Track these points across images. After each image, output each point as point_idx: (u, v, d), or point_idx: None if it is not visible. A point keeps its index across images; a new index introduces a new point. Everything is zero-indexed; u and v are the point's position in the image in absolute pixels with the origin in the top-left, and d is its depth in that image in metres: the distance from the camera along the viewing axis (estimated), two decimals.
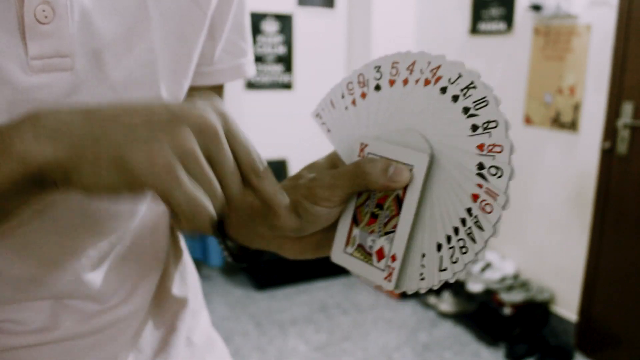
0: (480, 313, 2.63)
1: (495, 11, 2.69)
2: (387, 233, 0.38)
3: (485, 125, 0.34)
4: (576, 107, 2.35)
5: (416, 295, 2.90)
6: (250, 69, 0.58)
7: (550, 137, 2.48)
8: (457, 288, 2.71)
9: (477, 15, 2.79)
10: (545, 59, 2.46)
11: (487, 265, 2.65)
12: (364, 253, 0.40)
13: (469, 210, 0.34)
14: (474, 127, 0.34)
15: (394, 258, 0.38)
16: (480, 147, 0.34)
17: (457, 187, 0.35)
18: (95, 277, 0.48)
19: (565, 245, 2.47)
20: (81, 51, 0.39)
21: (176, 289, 0.60)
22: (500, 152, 0.33)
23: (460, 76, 0.35)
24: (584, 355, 2.39)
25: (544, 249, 2.58)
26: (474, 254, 0.34)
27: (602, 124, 2.24)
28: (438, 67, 0.36)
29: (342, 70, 3.49)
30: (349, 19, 3.44)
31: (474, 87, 0.35)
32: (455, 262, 0.35)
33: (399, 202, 0.37)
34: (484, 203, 0.34)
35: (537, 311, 2.51)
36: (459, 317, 2.71)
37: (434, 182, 0.36)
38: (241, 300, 2.92)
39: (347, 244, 0.41)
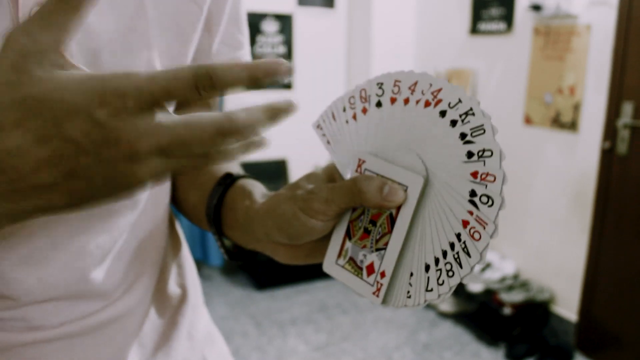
0: (480, 313, 2.64)
1: (495, 11, 2.69)
2: (378, 249, 0.39)
3: (480, 153, 0.34)
4: (576, 107, 2.35)
5: None
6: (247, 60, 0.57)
7: (550, 137, 2.48)
8: (457, 288, 2.71)
9: (477, 15, 2.79)
10: (545, 59, 2.46)
11: (487, 265, 2.65)
12: (355, 267, 0.41)
13: (458, 236, 0.35)
14: (470, 154, 0.35)
15: (383, 274, 0.38)
16: (474, 174, 0.34)
17: (448, 211, 0.36)
18: (99, 274, 0.49)
19: (565, 245, 2.47)
20: (78, 50, 0.39)
21: (176, 283, 0.61)
22: (493, 181, 0.33)
23: (460, 101, 0.36)
24: (584, 355, 2.39)
25: (544, 249, 2.58)
26: (460, 277, 0.35)
27: (602, 124, 2.24)
28: (439, 90, 0.37)
29: (342, 70, 3.49)
30: (349, 19, 3.44)
31: (472, 114, 0.35)
32: (441, 284, 0.36)
33: (392, 220, 0.38)
34: (472, 230, 0.34)
35: (537, 311, 2.51)
36: (459, 317, 2.71)
37: (427, 203, 0.37)
38: (241, 300, 2.92)
39: (339, 255, 0.42)
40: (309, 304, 2.89)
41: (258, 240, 0.46)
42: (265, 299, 2.94)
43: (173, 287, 0.60)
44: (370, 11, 3.19)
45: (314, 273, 3.11)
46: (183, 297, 0.61)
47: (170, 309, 0.59)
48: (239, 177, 0.52)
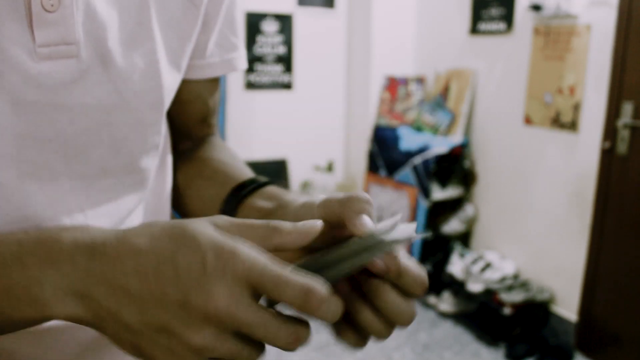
0: (480, 313, 2.63)
1: (495, 11, 2.69)
2: None
3: None
4: (576, 107, 2.35)
5: None
6: (241, 63, 0.60)
7: (550, 137, 2.48)
8: (457, 288, 2.71)
9: (477, 15, 2.79)
10: (545, 59, 2.46)
11: (487, 265, 2.65)
12: None
13: None
14: None
15: None
16: None
17: None
18: None
19: (565, 245, 2.47)
20: (86, 39, 0.40)
21: None
22: None
23: None
24: (584, 355, 2.38)
25: (544, 249, 2.58)
26: None
27: (602, 124, 2.24)
28: None
29: (342, 70, 3.49)
30: (349, 19, 3.44)
31: None
32: None
33: None
34: None
35: (537, 311, 2.51)
36: (459, 317, 2.71)
37: None
38: None
39: None
40: None
41: None
42: (265, 298, 2.94)
43: None
44: (370, 11, 3.19)
45: None
46: None
47: None
48: (246, 193, 0.52)
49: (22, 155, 0.40)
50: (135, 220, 0.52)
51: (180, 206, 0.61)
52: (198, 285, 0.31)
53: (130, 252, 0.32)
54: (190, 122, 0.63)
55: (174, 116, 0.60)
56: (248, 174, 0.56)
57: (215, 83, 0.62)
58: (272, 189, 0.52)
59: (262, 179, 0.54)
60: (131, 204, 0.50)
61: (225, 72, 0.59)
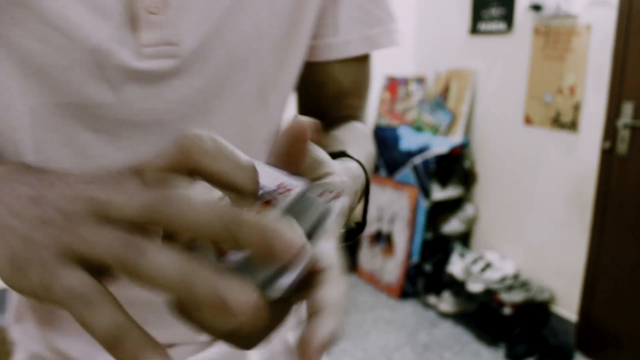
0: (480, 313, 2.64)
1: (495, 11, 2.69)
2: None
3: None
4: (576, 107, 2.35)
5: (416, 295, 2.91)
6: (388, 40, 0.54)
7: (550, 137, 2.48)
8: (457, 288, 2.71)
9: (477, 15, 2.79)
10: (545, 59, 2.46)
11: (487, 265, 2.65)
12: None
13: None
14: None
15: None
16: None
17: None
18: None
19: (565, 245, 2.47)
20: (189, 38, 0.42)
21: None
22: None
23: None
24: (584, 355, 2.39)
25: (544, 249, 2.58)
26: None
27: (602, 124, 2.24)
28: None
29: None
30: None
31: None
32: None
33: None
34: None
35: (537, 311, 2.51)
36: (459, 317, 2.71)
37: None
38: None
39: None
40: None
41: None
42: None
43: None
44: None
45: None
46: None
47: None
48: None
49: (121, 135, 0.44)
50: None
51: None
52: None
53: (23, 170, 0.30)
54: (323, 103, 0.56)
55: (307, 98, 0.56)
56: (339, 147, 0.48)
57: (358, 63, 0.55)
58: None
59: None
60: None
61: (365, 51, 0.52)
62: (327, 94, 0.55)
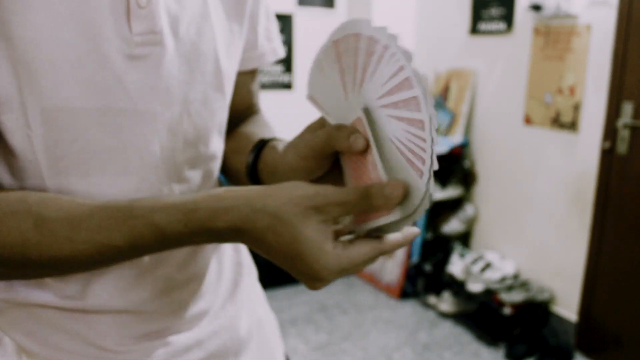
0: (480, 313, 2.64)
1: (495, 11, 2.69)
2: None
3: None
4: (576, 107, 2.35)
5: (416, 295, 2.90)
6: (281, 50, 0.68)
7: (550, 137, 2.48)
8: (457, 288, 2.71)
9: (477, 15, 2.79)
10: (545, 59, 2.46)
11: (487, 265, 2.65)
12: None
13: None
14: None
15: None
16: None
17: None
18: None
19: (565, 245, 2.47)
20: (167, 29, 0.50)
21: (233, 249, 0.72)
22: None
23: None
24: (584, 355, 2.39)
25: (544, 249, 2.58)
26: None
27: (602, 124, 2.24)
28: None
29: None
30: (349, 18, 3.44)
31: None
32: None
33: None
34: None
35: (537, 311, 2.51)
36: (459, 317, 2.71)
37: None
38: None
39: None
40: (309, 304, 2.89)
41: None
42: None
43: (230, 253, 0.72)
44: (370, 11, 3.19)
45: None
46: (239, 260, 0.75)
47: (232, 274, 0.72)
48: (270, 139, 0.61)
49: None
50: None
51: (225, 173, 0.69)
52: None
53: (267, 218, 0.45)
54: (239, 110, 0.69)
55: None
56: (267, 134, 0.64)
57: (256, 70, 0.70)
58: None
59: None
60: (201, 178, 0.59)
61: (271, 60, 0.68)
62: (241, 101, 0.69)
